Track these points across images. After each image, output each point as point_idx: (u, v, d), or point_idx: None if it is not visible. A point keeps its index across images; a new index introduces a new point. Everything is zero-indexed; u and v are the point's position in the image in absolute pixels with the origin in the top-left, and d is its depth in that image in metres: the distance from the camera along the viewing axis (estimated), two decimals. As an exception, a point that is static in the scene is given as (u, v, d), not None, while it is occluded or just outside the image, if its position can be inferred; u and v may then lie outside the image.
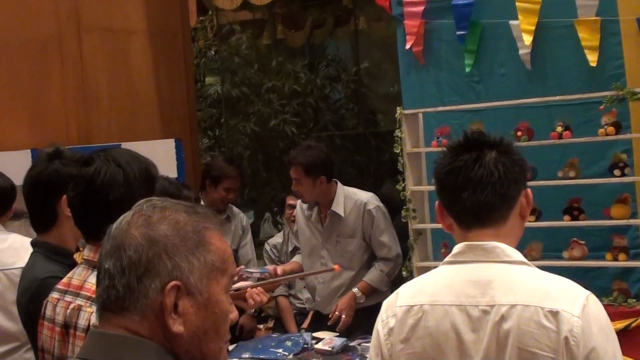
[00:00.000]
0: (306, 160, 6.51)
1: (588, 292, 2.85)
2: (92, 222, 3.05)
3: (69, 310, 3.31)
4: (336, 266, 5.82)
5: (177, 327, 2.08)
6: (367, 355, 5.80)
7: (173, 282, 2.08)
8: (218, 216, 2.25)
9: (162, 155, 7.71)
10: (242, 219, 7.86)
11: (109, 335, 2.11)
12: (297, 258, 7.12)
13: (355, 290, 6.57)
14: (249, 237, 7.81)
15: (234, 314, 2.19)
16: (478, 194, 2.89)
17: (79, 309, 3.28)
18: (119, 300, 2.09)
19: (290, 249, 7.47)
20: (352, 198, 6.66)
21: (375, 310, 3.18)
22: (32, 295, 3.62)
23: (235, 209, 7.89)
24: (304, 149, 6.70)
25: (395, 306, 3.03)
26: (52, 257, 3.90)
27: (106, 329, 2.11)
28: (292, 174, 6.61)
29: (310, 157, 6.54)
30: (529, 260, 3.01)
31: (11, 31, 8.11)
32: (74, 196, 3.48)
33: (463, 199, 2.91)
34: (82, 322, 3.24)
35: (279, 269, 6.60)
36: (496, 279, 2.86)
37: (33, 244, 4.16)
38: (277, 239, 7.88)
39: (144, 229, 2.13)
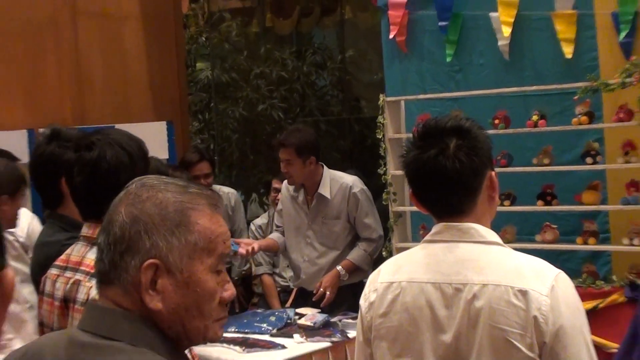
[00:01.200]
0: (298, 141, 6.53)
1: (559, 271, 2.87)
2: (96, 203, 3.07)
3: (68, 285, 3.35)
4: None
5: (155, 303, 2.10)
6: (347, 331, 5.88)
7: (150, 261, 2.10)
8: (214, 196, 2.25)
9: (154, 136, 7.72)
10: (230, 198, 7.92)
11: (100, 307, 2.14)
12: (273, 235, 7.14)
13: (339, 268, 6.60)
14: (240, 212, 7.90)
15: (228, 293, 2.18)
16: (443, 189, 2.94)
17: (78, 283, 3.32)
18: (106, 274, 2.12)
19: (273, 229, 7.51)
20: (337, 181, 6.68)
21: (357, 287, 3.24)
22: (54, 255, 3.63)
23: (224, 189, 7.94)
24: (294, 131, 6.74)
25: (377, 282, 3.07)
26: (67, 229, 3.93)
27: (101, 301, 2.14)
28: (282, 155, 6.59)
29: (302, 138, 6.57)
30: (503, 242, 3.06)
31: (8, 15, 8.11)
32: (80, 181, 3.50)
33: (431, 193, 2.97)
34: (81, 296, 3.28)
35: (255, 244, 6.70)
36: (470, 258, 2.90)
37: (47, 215, 4.30)
38: (262, 219, 7.91)
39: (130, 207, 2.14)
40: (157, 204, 2.14)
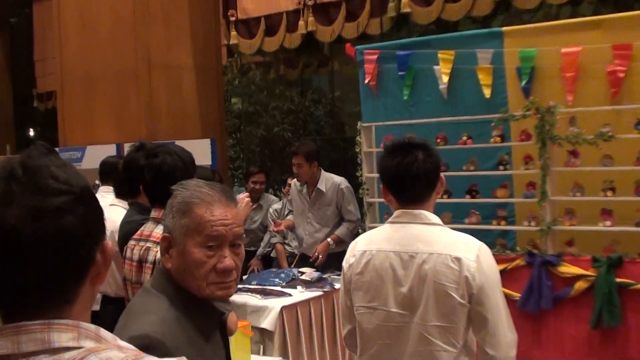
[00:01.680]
0: (307, 151, 6.78)
1: (481, 243, 2.96)
2: (161, 194, 3.09)
3: (142, 251, 3.40)
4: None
5: (167, 263, 2.23)
6: (334, 284, 5.89)
7: (165, 234, 2.24)
8: (228, 194, 2.28)
9: (201, 150, 7.73)
10: (271, 204, 8.08)
11: (159, 268, 2.29)
12: (290, 217, 7.26)
13: (329, 240, 6.79)
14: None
15: (221, 264, 2.18)
16: (415, 184, 3.00)
17: (148, 249, 3.35)
18: None
19: (286, 212, 7.54)
20: (330, 180, 6.91)
21: (342, 254, 3.25)
22: (134, 231, 3.66)
23: (269, 197, 8.25)
24: (304, 144, 7.07)
25: (355, 250, 3.12)
26: (142, 212, 3.95)
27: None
28: (295, 161, 6.83)
29: (309, 149, 6.84)
30: (441, 224, 3.08)
31: (106, 64, 8.17)
32: (149, 178, 3.53)
33: (406, 187, 3.01)
34: (150, 258, 3.33)
35: (282, 224, 7.19)
36: (420, 234, 2.94)
37: (129, 203, 4.42)
38: (278, 205, 7.92)
39: (169, 199, 2.27)
40: (177, 197, 2.23)
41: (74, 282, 1.34)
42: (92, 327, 1.35)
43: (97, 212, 1.39)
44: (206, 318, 2.24)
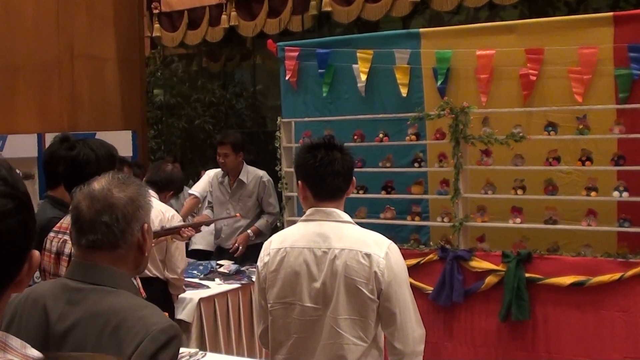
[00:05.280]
0: (234, 140, 6.85)
1: (390, 241, 3.01)
2: (74, 186, 3.08)
3: (59, 243, 3.36)
4: (238, 214, 6.48)
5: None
6: (252, 277, 5.90)
7: (146, 224, 2.20)
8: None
9: (123, 141, 7.65)
10: (187, 196, 8.04)
11: (85, 263, 2.15)
12: (206, 212, 7.17)
13: (249, 231, 6.75)
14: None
15: None
16: (336, 180, 3.06)
17: (65, 242, 3.33)
18: (116, 240, 2.14)
19: (206, 204, 7.49)
20: (252, 173, 6.98)
21: (260, 247, 3.26)
22: (42, 227, 3.60)
23: (185, 188, 8.13)
24: (230, 134, 7.10)
25: (269, 248, 3.15)
26: (55, 206, 3.91)
27: (86, 260, 2.14)
28: (221, 150, 6.87)
29: (236, 138, 6.92)
30: (357, 219, 3.15)
31: (28, 54, 8.04)
32: (61, 171, 3.50)
33: (327, 183, 3.05)
34: (67, 250, 3.30)
35: (195, 219, 6.95)
36: (332, 231, 3.00)
37: (44, 196, 4.31)
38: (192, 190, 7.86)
39: (121, 193, 2.16)
40: (132, 189, 2.19)
41: (0, 286, 1.30)
42: (0, 334, 1.31)
43: (34, 220, 1.37)
44: None
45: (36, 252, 1.37)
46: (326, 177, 3.05)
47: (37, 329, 2.06)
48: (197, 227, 5.59)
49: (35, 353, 1.34)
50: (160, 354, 1.90)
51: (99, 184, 2.17)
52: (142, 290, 3.26)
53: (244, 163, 6.97)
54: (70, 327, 2.00)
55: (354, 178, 3.16)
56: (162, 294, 5.24)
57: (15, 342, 1.33)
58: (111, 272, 2.11)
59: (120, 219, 2.11)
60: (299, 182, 3.18)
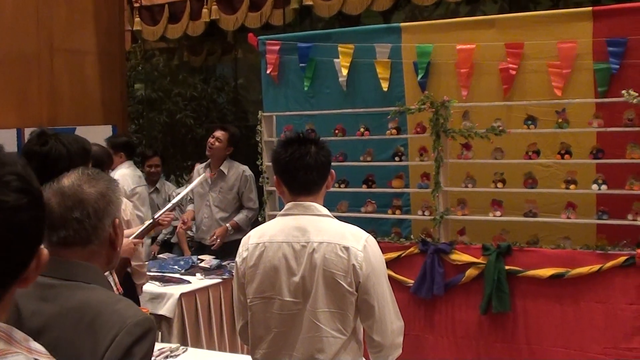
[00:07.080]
0: (233, 132, 7.00)
1: (368, 234, 3.04)
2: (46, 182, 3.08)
3: None
4: (210, 173, 6.81)
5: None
6: (233, 272, 5.89)
7: (117, 219, 2.16)
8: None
9: (103, 135, 7.61)
10: (169, 190, 8.23)
11: (56, 259, 2.06)
12: (190, 207, 7.18)
13: (227, 225, 6.75)
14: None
15: None
16: (308, 174, 3.05)
17: None
18: (88, 236, 2.09)
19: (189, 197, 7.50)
20: (234, 166, 7.00)
21: (240, 242, 3.27)
22: None
23: (167, 183, 8.39)
24: (233, 127, 7.21)
25: (248, 243, 3.16)
26: None
27: (57, 256, 2.07)
28: (217, 134, 6.95)
29: (235, 133, 7.02)
30: (338, 213, 3.17)
31: (7, 48, 7.98)
32: (34, 167, 3.48)
33: (299, 177, 3.06)
34: None
35: (187, 217, 7.07)
36: (310, 225, 3.01)
37: None
38: (182, 190, 7.87)
39: (92, 188, 2.11)
40: (102, 185, 2.14)
41: (8, 281, 1.32)
42: (4, 327, 1.33)
43: (45, 217, 1.38)
44: None
45: (44, 250, 1.38)
46: (298, 172, 3.05)
47: None
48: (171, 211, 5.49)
49: (38, 346, 1.36)
50: (136, 346, 1.91)
51: (68, 179, 2.13)
52: (119, 286, 3.26)
53: (229, 157, 7.00)
54: (44, 324, 1.98)
55: (332, 171, 3.17)
56: (125, 285, 5.16)
57: (18, 335, 1.34)
58: (84, 268, 2.08)
59: (92, 215, 2.08)
60: (275, 177, 3.20)
